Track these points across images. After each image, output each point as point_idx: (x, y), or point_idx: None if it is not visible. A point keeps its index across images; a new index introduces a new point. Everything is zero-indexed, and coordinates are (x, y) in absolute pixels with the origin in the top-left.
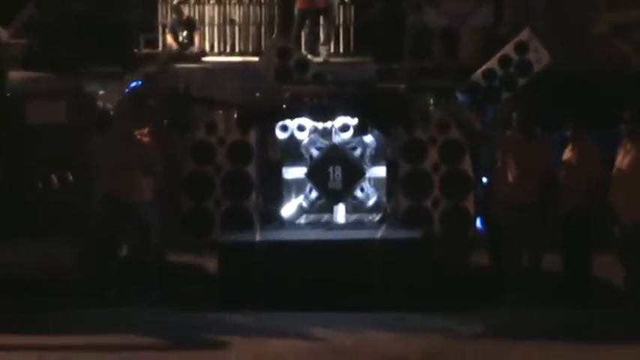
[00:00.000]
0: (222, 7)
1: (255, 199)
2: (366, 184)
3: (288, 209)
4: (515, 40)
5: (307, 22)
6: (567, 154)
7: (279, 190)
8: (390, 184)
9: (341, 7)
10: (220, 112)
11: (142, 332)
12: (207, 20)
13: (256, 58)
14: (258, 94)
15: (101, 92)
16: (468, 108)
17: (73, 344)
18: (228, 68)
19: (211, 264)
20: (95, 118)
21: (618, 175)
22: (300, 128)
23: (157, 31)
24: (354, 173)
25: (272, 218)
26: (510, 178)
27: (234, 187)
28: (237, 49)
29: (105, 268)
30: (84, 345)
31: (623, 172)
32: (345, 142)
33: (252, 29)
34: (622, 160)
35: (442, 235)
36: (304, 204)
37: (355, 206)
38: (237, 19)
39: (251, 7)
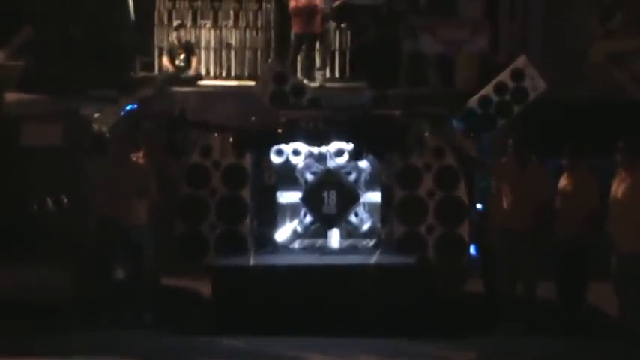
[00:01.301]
0: (218, 32)
1: (250, 224)
2: (360, 210)
3: (282, 234)
4: (511, 67)
5: (303, 46)
6: (563, 182)
7: (273, 214)
8: (384, 210)
9: (337, 33)
10: (216, 135)
11: (136, 356)
12: (203, 44)
13: (252, 83)
14: (253, 119)
15: (97, 115)
16: (464, 135)
17: None
18: (224, 92)
19: (205, 288)
20: (91, 141)
21: (613, 204)
22: (296, 153)
23: (154, 55)
24: (349, 198)
25: (266, 242)
26: (505, 205)
27: (229, 211)
28: (233, 74)
29: (99, 291)
30: None
31: (618, 201)
32: (340, 167)
33: (248, 53)
34: (617, 189)
35: (436, 261)
36: (298, 228)
37: (349, 231)
38: (233, 43)
39: (247, 32)
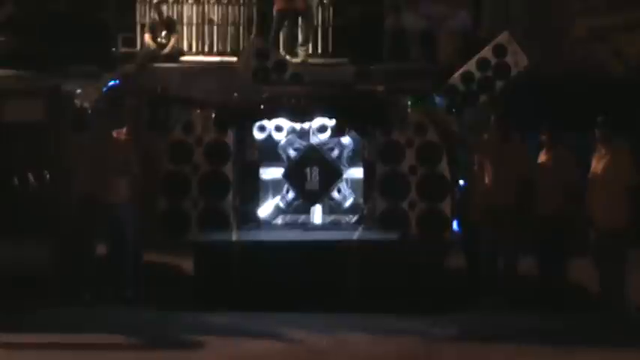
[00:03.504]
0: (200, 7)
1: (232, 200)
2: (343, 186)
3: (265, 210)
4: (494, 43)
5: (286, 23)
6: (542, 157)
7: (256, 190)
8: (367, 186)
9: (320, 9)
10: (198, 112)
11: (118, 332)
12: (185, 20)
13: (234, 59)
14: (235, 95)
15: (79, 91)
16: (446, 110)
17: (48, 343)
18: (206, 68)
19: (188, 264)
20: (72, 117)
21: (592, 179)
22: (278, 129)
23: (135, 31)
24: (332, 174)
25: (249, 219)
26: (487, 180)
27: (211, 188)
28: (215, 49)
29: (81, 267)
30: (59, 344)
31: (597, 176)
32: (323, 143)
33: (230, 29)
34: (596, 164)
35: (419, 237)
36: (281, 204)
37: (332, 207)
38: (215, 19)
39: (229, 8)
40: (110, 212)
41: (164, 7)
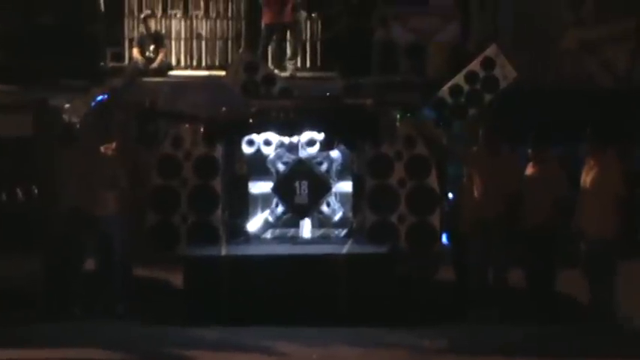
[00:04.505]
0: (188, 21)
1: (221, 214)
2: (332, 199)
3: (254, 224)
4: (482, 56)
5: (274, 36)
6: (531, 169)
7: (245, 204)
8: (356, 199)
9: (308, 23)
10: (187, 126)
11: (107, 346)
12: (173, 34)
13: (223, 73)
14: (224, 109)
15: (67, 105)
16: (435, 123)
17: (37, 358)
18: (195, 82)
19: (177, 278)
20: (61, 131)
21: (582, 191)
22: (267, 143)
23: (124, 45)
24: (321, 188)
25: (238, 233)
26: (476, 193)
27: (200, 202)
28: (203, 64)
29: (69, 281)
30: (48, 359)
31: (586, 187)
32: (312, 157)
33: (219, 43)
34: (586, 176)
35: (408, 250)
36: (270, 218)
37: (321, 221)
38: (203, 33)
39: (218, 22)
40: (99, 226)
41: (152, 22)
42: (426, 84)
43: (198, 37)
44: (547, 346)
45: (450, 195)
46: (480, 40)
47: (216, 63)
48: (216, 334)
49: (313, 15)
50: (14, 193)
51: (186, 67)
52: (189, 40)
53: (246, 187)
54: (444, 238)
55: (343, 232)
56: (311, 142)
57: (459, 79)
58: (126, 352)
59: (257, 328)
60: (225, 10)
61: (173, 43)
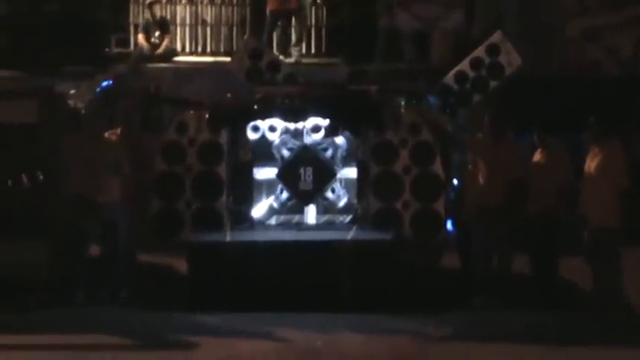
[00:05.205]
0: (193, 7)
1: (226, 200)
2: (337, 185)
3: (258, 210)
4: (487, 42)
5: (279, 23)
6: (536, 156)
7: (249, 190)
8: (360, 186)
9: (313, 9)
10: (191, 112)
11: (111, 332)
12: (178, 20)
13: (228, 59)
14: (229, 95)
15: (72, 92)
16: (440, 110)
17: (41, 344)
18: (200, 68)
19: (181, 264)
20: (66, 118)
21: (586, 178)
22: (272, 129)
23: (129, 31)
24: (325, 174)
25: (242, 219)
26: (480, 180)
27: (205, 188)
28: (208, 50)
29: (74, 267)
30: (52, 345)
31: (590, 175)
32: (317, 143)
33: (224, 30)
34: (589, 164)
35: (412, 237)
36: (275, 205)
37: (326, 207)
38: (209, 19)
39: (223, 8)
40: (102, 212)
41: (157, 8)
42: (431, 71)
43: (203, 23)
44: (551, 333)
45: (455, 182)
46: (483, 27)
47: (221, 49)
48: (220, 321)
49: (318, 1)
50: (20, 179)
51: (191, 54)
52: (194, 27)
53: (250, 173)
54: (449, 225)
55: (348, 218)
56: (316, 129)
57: (464, 65)
58: (129, 338)
59: (261, 315)
60: None
61: (178, 29)
